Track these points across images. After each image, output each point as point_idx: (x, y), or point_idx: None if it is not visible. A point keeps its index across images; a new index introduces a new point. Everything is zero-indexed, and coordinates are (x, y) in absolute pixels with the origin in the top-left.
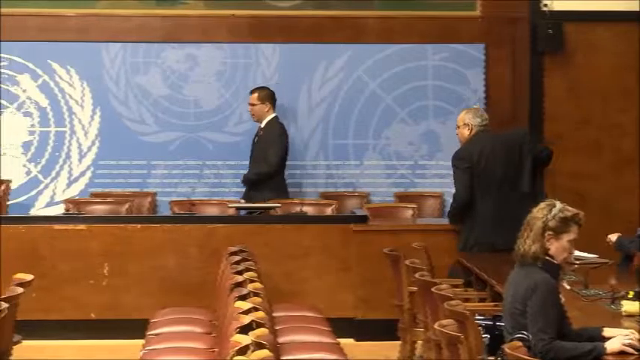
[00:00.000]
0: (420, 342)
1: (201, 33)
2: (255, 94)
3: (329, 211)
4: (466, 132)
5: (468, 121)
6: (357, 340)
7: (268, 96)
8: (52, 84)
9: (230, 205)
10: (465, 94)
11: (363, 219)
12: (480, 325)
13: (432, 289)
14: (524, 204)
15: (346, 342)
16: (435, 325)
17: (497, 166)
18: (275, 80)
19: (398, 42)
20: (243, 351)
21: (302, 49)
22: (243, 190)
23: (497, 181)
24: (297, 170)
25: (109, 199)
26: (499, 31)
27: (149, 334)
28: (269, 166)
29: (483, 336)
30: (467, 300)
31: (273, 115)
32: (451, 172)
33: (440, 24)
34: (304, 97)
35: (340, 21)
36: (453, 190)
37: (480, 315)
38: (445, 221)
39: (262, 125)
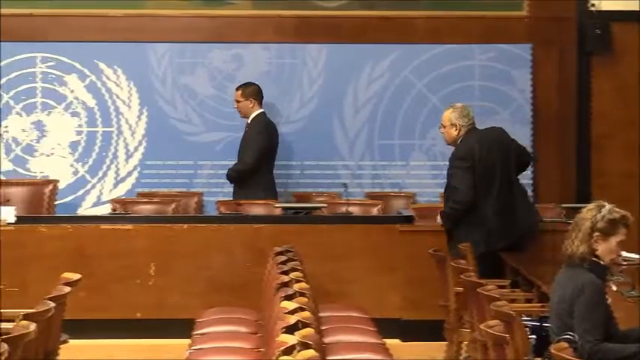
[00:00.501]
0: (466, 343)
1: (247, 33)
2: (239, 91)
3: (375, 211)
4: (453, 132)
5: (454, 120)
6: (403, 341)
7: (253, 92)
8: (99, 84)
9: (276, 205)
10: (512, 95)
11: (408, 219)
12: (527, 326)
13: (478, 290)
14: (520, 202)
15: (392, 342)
16: (481, 326)
17: (495, 164)
18: (320, 81)
19: (445, 42)
20: (289, 351)
21: (348, 49)
22: (288, 190)
23: (497, 179)
24: (343, 170)
25: (155, 199)
26: (546, 31)
27: (195, 334)
28: (243, 164)
29: (530, 337)
30: (513, 301)
31: (259, 111)
32: None
33: (487, 24)
34: (350, 98)
35: (387, 21)
36: None
37: (526, 316)
38: None
39: (249, 121)
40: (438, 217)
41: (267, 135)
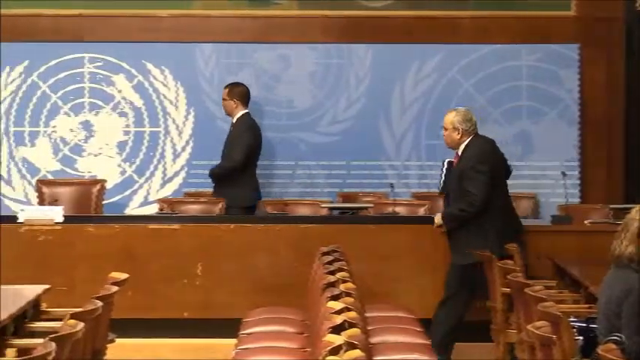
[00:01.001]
0: (513, 343)
1: (293, 33)
2: (227, 90)
3: (422, 211)
4: (455, 135)
5: (457, 124)
6: None
7: (237, 93)
8: (146, 84)
9: (323, 205)
10: (559, 95)
11: None
12: (574, 327)
13: (526, 291)
14: (512, 211)
15: None
16: (529, 327)
17: (502, 172)
18: (367, 81)
19: (492, 42)
20: (335, 351)
21: (395, 49)
22: (335, 190)
23: (501, 187)
24: (390, 170)
25: (202, 199)
26: (594, 31)
27: (241, 334)
28: (230, 162)
29: (577, 338)
30: (561, 301)
31: (243, 111)
32: (545, 173)
33: (534, 24)
34: (397, 98)
35: (434, 21)
36: (547, 191)
37: (574, 317)
38: (539, 222)
39: (233, 121)
40: (437, 217)
41: (252, 133)
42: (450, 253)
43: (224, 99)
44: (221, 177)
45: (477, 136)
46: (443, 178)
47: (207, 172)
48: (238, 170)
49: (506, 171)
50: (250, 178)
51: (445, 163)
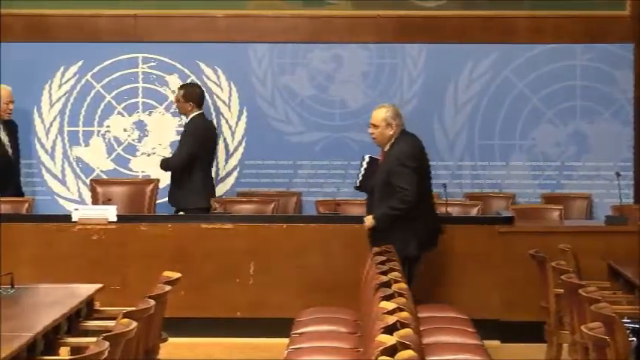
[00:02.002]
0: (566, 345)
1: (347, 33)
2: (181, 92)
3: (474, 211)
4: (389, 132)
5: (390, 120)
6: (503, 342)
7: (190, 95)
8: (200, 84)
9: None
10: (614, 95)
11: (508, 220)
12: (628, 328)
13: (579, 292)
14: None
15: (491, 344)
16: (582, 328)
17: (429, 169)
18: (420, 81)
19: (546, 42)
20: (388, 351)
21: (448, 49)
22: None
23: (428, 184)
24: (443, 171)
25: (255, 199)
26: None
27: (293, 333)
28: (172, 162)
29: (631, 339)
30: (614, 303)
31: (197, 112)
32: (599, 173)
33: (589, 23)
34: (450, 98)
35: (488, 21)
36: (601, 192)
37: (627, 318)
38: (593, 223)
39: (187, 121)
40: (369, 220)
41: (198, 138)
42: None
43: (178, 100)
44: (163, 169)
45: (404, 132)
46: (362, 173)
47: (259, 171)
48: (178, 171)
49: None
50: (200, 179)
51: (366, 158)
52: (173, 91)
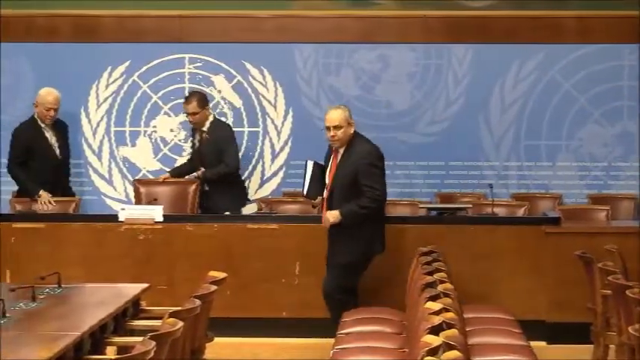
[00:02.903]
0: (613, 346)
1: (394, 34)
2: (193, 104)
3: (521, 212)
4: (350, 131)
5: (350, 120)
6: (549, 343)
7: (204, 100)
8: (245, 84)
9: (421, 206)
10: None
11: (555, 221)
12: None
13: (626, 293)
14: None
15: (537, 345)
16: (629, 329)
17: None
18: (466, 81)
19: (593, 42)
20: (433, 352)
21: (494, 49)
22: (433, 190)
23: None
24: (489, 171)
25: (300, 199)
26: None
27: (339, 334)
28: (228, 167)
29: None
30: None
31: (211, 115)
32: None
33: (636, 23)
34: (497, 98)
35: (536, 21)
36: None
37: None
38: None
39: (205, 128)
40: (333, 215)
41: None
42: (341, 252)
43: (195, 113)
44: (215, 182)
45: (356, 132)
46: (308, 180)
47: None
48: (235, 174)
49: None
50: (242, 182)
51: (309, 164)
52: (219, 91)
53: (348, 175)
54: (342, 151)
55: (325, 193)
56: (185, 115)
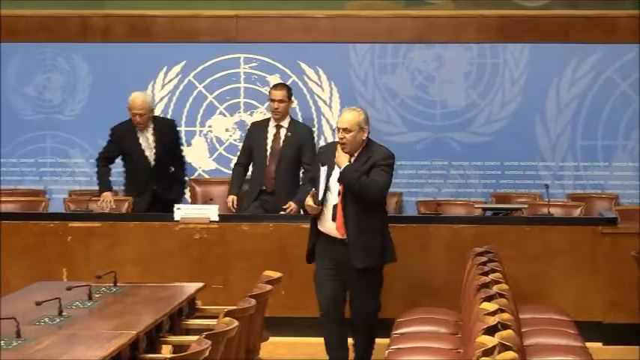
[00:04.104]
0: None
1: (449, 33)
2: (284, 91)
3: (577, 212)
4: (362, 136)
5: (363, 125)
6: (605, 344)
7: (290, 91)
8: (300, 84)
9: (476, 206)
10: None
11: (612, 221)
12: None
13: None
14: None
15: (593, 346)
16: None
17: None
18: (522, 81)
19: None
20: (489, 352)
21: (550, 48)
22: (488, 190)
23: None
24: (544, 171)
25: None
26: None
27: (394, 334)
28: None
29: None
30: None
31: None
32: None
33: None
34: (553, 98)
35: (591, 20)
36: None
37: None
38: None
39: (285, 124)
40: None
41: None
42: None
43: (283, 100)
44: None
45: (369, 139)
46: (323, 185)
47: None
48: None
49: None
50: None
51: (323, 170)
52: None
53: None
54: (356, 155)
55: (338, 199)
56: (270, 102)
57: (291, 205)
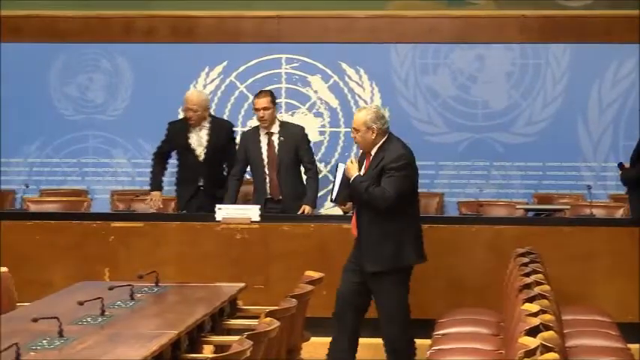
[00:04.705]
0: None
1: (491, 34)
2: (268, 97)
3: (619, 213)
4: (369, 135)
5: (370, 123)
6: None
7: (275, 98)
8: (342, 84)
9: (518, 207)
10: None
11: None
12: None
13: None
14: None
15: (635, 347)
16: None
17: (418, 178)
18: (564, 81)
19: None
20: (530, 354)
21: (592, 48)
22: (530, 191)
23: (417, 194)
24: (586, 172)
25: None
26: None
27: (436, 334)
28: (314, 166)
29: None
30: None
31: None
32: None
33: None
34: (594, 98)
35: (634, 20)
36: None
37: None
38: None
39: (275, 130)
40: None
41: None
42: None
43: (267, 107)
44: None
45: (391, 135)
46: (338, 184)
47: None
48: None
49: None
50: None
51: (340, 168)
52: (315, 91)
53: (374, 179)
54: (373, 153)
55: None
56: (254, 111)
57: (306, 208)
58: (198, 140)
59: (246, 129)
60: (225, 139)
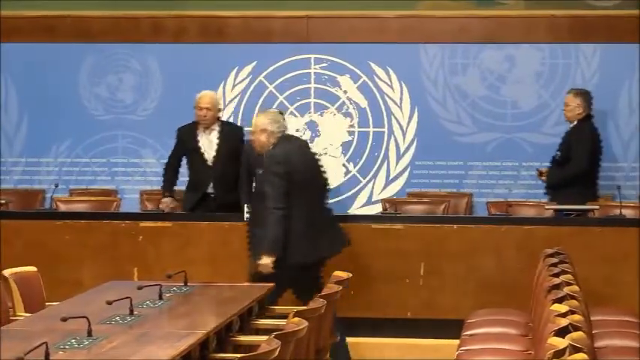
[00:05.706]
0: None
1: (520, 33)
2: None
3: None
4: (263, 138)
5: (265, 126)
6: None
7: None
8: (371, 84)
9: (547, 207)
10: None
11: None
12: None
13: None
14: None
15: None
16: None
17: (310, 174)
18: (594, 81)
19: None
20: (559, 354)
21: (623, 49)
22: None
23: (310, 190)
24: (616, 172)
25: (425, 199)
26: None
27: (464, 335)
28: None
29: None
30: None
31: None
32: None
33: None
34: (625, 99)
35: None
36: None
37: None
38: None
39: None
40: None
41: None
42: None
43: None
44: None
45: (284, 137)
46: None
47: (430, 172)
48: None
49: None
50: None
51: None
52: (345, 92)
53: (260, 184)
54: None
55: None
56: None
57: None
58: (208, 143)
59: None
60: (237, 144)
